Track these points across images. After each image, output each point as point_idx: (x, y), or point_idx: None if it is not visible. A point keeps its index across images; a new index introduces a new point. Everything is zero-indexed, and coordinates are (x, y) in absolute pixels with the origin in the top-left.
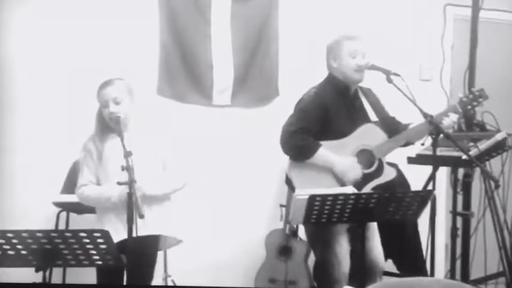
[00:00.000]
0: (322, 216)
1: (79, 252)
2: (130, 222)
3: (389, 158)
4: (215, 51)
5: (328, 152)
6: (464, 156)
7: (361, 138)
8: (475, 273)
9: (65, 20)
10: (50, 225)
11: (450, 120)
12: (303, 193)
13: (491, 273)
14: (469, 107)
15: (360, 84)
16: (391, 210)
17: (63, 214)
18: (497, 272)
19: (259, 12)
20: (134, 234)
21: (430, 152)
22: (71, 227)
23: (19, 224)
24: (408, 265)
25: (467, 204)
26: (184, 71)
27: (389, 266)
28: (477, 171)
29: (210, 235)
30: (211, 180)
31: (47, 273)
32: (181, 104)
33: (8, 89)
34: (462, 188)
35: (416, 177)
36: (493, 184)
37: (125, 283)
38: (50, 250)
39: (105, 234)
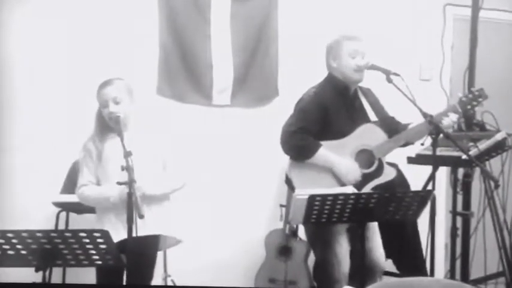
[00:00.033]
0: (322, 216)
1: (79, 252)
2: (130, 222)
3: (389, 158)
4: (215, 51)
5: (328, 152)
6: (464, 156)
7: (360, 138)
8: (475, 273)
9: (65, 20)
10: (50, 225)
11: (450, 120)
12: (302, 193)
13: (491, 273)
14: (469, 106)
15: (360, 84)
16: (391, 210)
17: (63, 214)
18: (497, 272)
19: (258, 12)
20: (134, 234)
21: (429, 152)
22: (70, 227)
23: (19, 224)
24: (408, 265)
25: (467, 204)
26: (184, 71)
27: (390, 266)
28: (477, 171)
29: (210, 235)
30: (211, 180)
31: (47, 273)
32: (181, 104)
33: (7, 89)
34: (462, 187)
35: (416, 177)
36: (492, 184)
37: (124, 283)
38: (49, 250)
39: (105, 234)
